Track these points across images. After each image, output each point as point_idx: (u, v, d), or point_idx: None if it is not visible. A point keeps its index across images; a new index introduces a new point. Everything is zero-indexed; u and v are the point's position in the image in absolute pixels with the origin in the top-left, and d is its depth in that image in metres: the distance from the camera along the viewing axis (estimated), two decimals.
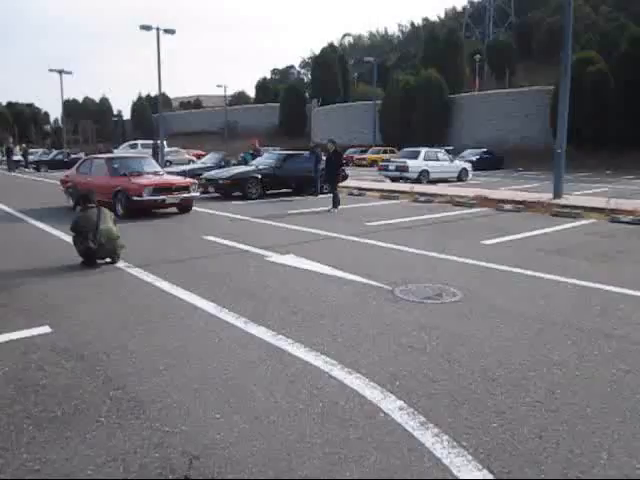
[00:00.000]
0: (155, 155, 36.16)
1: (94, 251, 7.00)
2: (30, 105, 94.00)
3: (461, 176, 23.85)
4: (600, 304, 5.40)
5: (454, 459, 2.74)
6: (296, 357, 4.03)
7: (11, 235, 9.76)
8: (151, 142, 37.08)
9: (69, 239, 7.53)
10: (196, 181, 12.63)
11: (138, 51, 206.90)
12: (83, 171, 13.50)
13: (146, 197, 11.41)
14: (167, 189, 11.87)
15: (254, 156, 19.64)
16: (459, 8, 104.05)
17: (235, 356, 4.07)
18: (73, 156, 35.87)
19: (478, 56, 61.15)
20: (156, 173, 12.83)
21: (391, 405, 3.29)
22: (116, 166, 12.67)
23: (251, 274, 6.68)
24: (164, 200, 11.73)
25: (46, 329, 4.65)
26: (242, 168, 17.37)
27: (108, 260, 7.19)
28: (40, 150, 43.49)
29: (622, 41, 35.77)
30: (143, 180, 11.81)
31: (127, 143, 47.29)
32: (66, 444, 2.90)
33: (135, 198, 11.37)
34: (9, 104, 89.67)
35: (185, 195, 12.11)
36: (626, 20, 50.89)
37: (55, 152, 37.91)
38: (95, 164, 13.32)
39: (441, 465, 2.70)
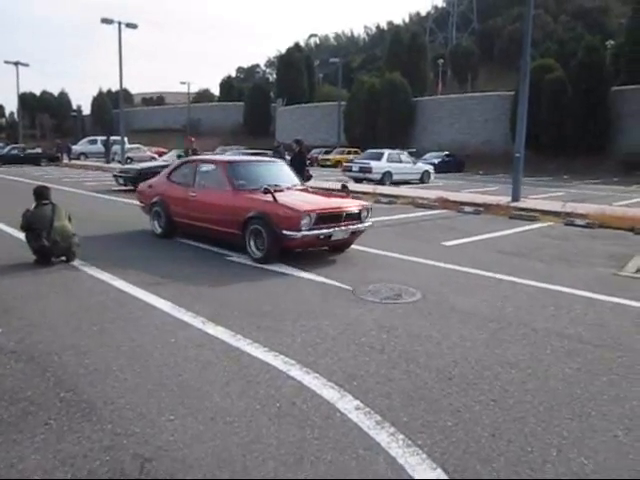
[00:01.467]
0: (107, 152, 35.55)
1: (48, 249, 6.79)
2: None
3: (423, 178, 24.17)
4: (554, 305, 5.55)
5: (409, 458, 2.76)
6: (254, 357, 4.00)
7: None
8: (113, 138, 36.37)
9: (23, 236, 7.28)
10: (369, 205, 8.06)
11: (99, 46, 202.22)
12: (180, 181, 8.85)
13: (305, 231, 6.94)
14: (335, 217, 7.37)
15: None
16: (423, 13, 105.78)
17: (191, 356, 4.01)
18: (29, 151, 34.83)
19: (441, 60, 62.24)
20: (297, 188, 8.46)
21: (348, 405, 3.29)
22: (242, 174, 8.19)
23: (211, 273, 6.59)
24: (330, 236, 7.25)
25: None
26: None
27: (63, 258, 6.99)
28: None
29: (579, 50, 36.96)
30: (297, 201, 7.32)
31: (86, 139, 46.23)
32: (12, 448, 2.79)
33: (289, 233, 6.90)
34: None
35: (357, 226, 7.65)
36: (583, 30, 52.61)
37: (10, 146, 36.64)
38: (204, 171, 8.64)
39: (396, 465, 2.71)
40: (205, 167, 8.73)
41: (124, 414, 3.15)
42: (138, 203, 10.09)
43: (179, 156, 18.72)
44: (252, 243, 7.30)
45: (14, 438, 2.88)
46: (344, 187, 8.76)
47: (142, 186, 10.01)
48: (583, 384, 3.68)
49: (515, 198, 14.63)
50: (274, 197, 7.10)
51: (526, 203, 14.29)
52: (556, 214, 12.45)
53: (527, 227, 11.11)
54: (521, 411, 3.28)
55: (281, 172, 8.91)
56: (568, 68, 36.33)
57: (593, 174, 30.53)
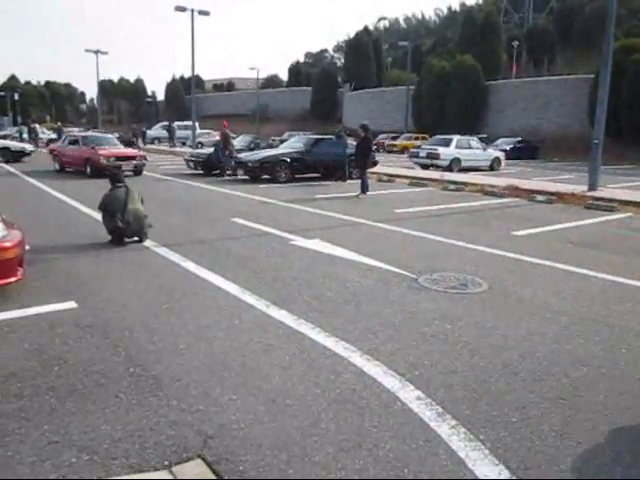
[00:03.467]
0: (170, 137, 36.72)
1: (122, 230, 7.10)
2: (67, 85, 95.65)
3: (493, 165, 23.40)
4: (632, 300, 5.24)
5: (470, 452, 2.69)
6: (316, 342, 4.02)
7: (46, 212, 9.96)
8: (185, 123, 37.42)
9: (99, 217, 7.64)
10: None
11: (173, 32, 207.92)
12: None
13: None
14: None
15: (222, 148, 17.91)
16: None
17: (255, 338, 4.08)
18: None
19: (516, 42, 59.63)
20: None
21: (409, 394, 3.25)
22: None
23: (276, 258, 6.68)
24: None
25: (72, 304, 4.73)
26: (271, 151, 17.39)
27: (136, 239, 7.29)
28: (75, 129, 44.25)
29: None
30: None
31: (160, 124, 47.81)
32: (85, 417, 2.95)
33: None
34: (47, 83, 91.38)
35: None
36: None
37: (90, 131, 38.48)
38: None
39: (456, 458, 2.65)
40: None
41: (189, 391, 3.25)
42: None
43: (215, 146, 18.60)
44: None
45: (87, 408, 3.04)
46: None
47: None
48: None
49: (592, 187, 13.89)
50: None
51: (604, 192, 13.53)
52: (637, 204, 11.72)
53: (604, 218, 10.53)
54: (592, 412, 3.12)
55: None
56: None
57: None
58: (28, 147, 23.46)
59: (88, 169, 16.69)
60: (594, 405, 3.20)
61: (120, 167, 13.87)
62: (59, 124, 46.46)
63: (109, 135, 21.69)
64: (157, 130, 44.92)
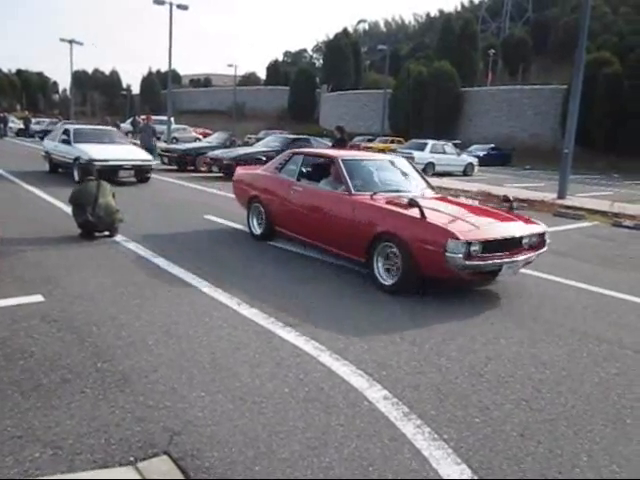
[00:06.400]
0: (134, 131, 36.23)
1: (92, 224, 7.00)
2: (39, 74, 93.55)
3: (467, 171, 23.74)
4: (594, 306, 5.39)
5: (434, 451, 2.74)
6: (286, 341, 4.03)
7: (14, 204, 9.75)
8: (159, 118, 36.93)
9: (70, 210, 7.52)
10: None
11: (151, 26, 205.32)
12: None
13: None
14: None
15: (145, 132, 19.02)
16: (476, 0, 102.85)
17: (225, 336, 4.07)
18: None
19: (493, 50, 60.58)
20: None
21: (376, 394, 3.29)
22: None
23: (248, 256, 6.67)
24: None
25: (39, 298, 4.65)
26: (248, 149, 17.34)
27: (106, 233, 7.19)
28: (47, 120, 43.29)
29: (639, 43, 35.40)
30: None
31: (138, 117, 47.07)
32: (49, 412, 2.91)
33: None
34: (18, 72, 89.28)
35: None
36: None
37: (61, 122, 37.71)
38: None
39: (420, 456, 2.70)
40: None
41: (157, 387, 3.23)
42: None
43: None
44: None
45: (52, 403, 3.00)
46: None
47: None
48: (620, 390, 3.57)
49: (561, 195, 14.21)
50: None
51: (572, 201, 13.86)
52: (603, 214, 12.04)
53: (572, 226, 10.79)
54: (552, 413, 3.22)
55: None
56: (626, 62, 34.86)
57: None
58: None
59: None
60: (555, 407, 3.29)
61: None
62: (27, 113, 45.30)
63: (108, 128, 16.63)
64: (128, 124, 44.24)
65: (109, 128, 16.82)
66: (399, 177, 6.86)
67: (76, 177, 12.37)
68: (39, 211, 8.97)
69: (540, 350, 4.17)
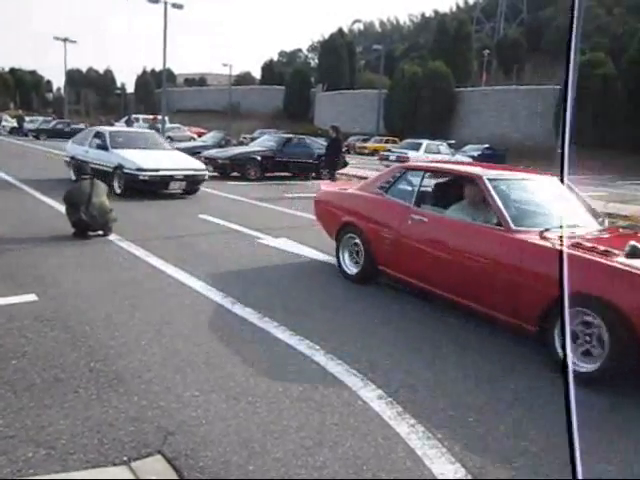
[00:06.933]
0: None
1: (86, 223, 6.98)
2: (33, 72, 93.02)
3: None
4: None
5: (428, 450, 2.75)
6: (280, 340, 4.03)
7: (6, 202, 9.70)
8: (152, 117, 36.82)
9: (63, 209, 7.49)
10: None
11: (145, 24, 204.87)
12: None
13: None
14: None
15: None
16: (471, 1, 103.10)
17: (219, 335, 4.07)
18: (74, 126, 35.61)
19: (487, 51, 60.76)
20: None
21: (370, 393, 3.30)
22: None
23: (242, 255, 6.66)
24: None
25: (32, 297, 4.63)
26: (242, 149, 17.33)
27: (100, 232, 7.17)
28: (40, 118, 43.08)
29: (632, 44, 35.61)
30: None
31: (133, 116, 46.93)
32: (42, 412, 2.90)
33: None
34: (12, 70, 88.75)
35: None
36: (637, 23, 50.50)
37: (55, 121, 37.58)
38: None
39: (414, 456, 2.71)
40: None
41: (150, 387, 3.23)
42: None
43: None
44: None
45: (45, 403, 2.99)
46: None
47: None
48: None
49: None
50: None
51: None
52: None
53: None
54: (546, 412, 3.23)
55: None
56: (619, 63, 35.07)
57: (639, 174, 29.48)
58: None
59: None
60: (548, 406, 3.30)
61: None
62: (20, 112, 45.00)
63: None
64: (124, 123, 44.11)
65: (148, 131, 15.14)
66: (562, 203, 4.98)
67: (117, 189, 10.85)
68: (30, 209, 8.94)
69: (531, 349, 4.18)
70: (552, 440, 2.87)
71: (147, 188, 10.72)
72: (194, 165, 11.67)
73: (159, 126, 19.95)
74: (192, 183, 11.35)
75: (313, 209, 6.83)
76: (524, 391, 3.47)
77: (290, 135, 19.01)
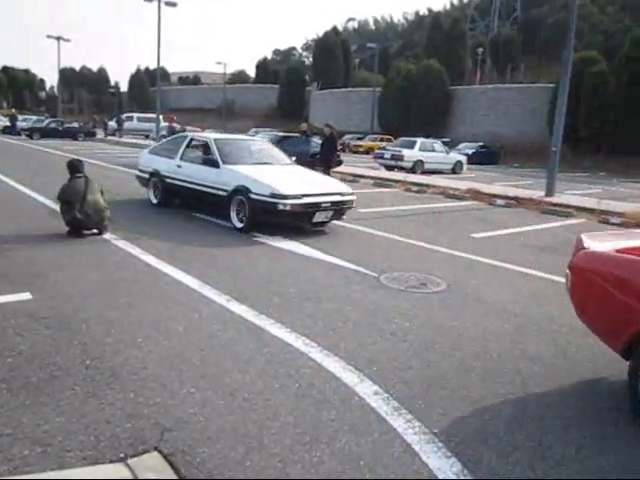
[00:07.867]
0: (119, 128, 36.32)
1: (80, 221, 6.95)
2: (26, 71, 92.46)
3: (455, 169, 23.82)
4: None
5: (424, 445, 2.76)
6: (276, 337, 4.04)
7: (2, 201, 9.65)
8: (147, 116, 36.71)
9: (58, 207, 7.46)
10: None
11: (139, 22, 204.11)
12: None
13: None
14: None
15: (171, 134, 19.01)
16: None
17: (214, 332, 4.07)
18: (67, 125, 35.42)
19: (481, 49, 60.81)
20: None
21: (367, 389, 3.31)
22: None
23: (238, 254, 6.66)
24: None
25: (27, 295, 4.61)
26: None
27: (95, 231, 7.14)
28: (34, 117, 42.83)
29: (626, 43, 35.71)
30: None
31: (123, 115, 46.77)
32: (38, 410, 2.89)
33: None
34: (4, 68, 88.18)
35: None
36: (631, 22, 50.76)
37: (49, 120, 37.35)
38: None
39: (411, 450, 2.72)
40: None
41: (147, 384, 3.22)
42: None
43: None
44: None
45: (41, 400, 2.98)
46: None
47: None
48: (605, 384, 3.62)
49: (549, 193, 14.31)
50: None
51: (560, 199, 13.96)
52: (591, 211, 12.14)
53: (559, 223, 10.88)
54: (541, 407, 3.25)
55: None
56: (612, 61, 35.17)
57: (633, 173, 29.62)
58: None
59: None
60: (543, 400, 3.32)
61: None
62: (13, 110, 44.70)
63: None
64: (114, 123, 43.91)
65: (260, 139, 12.69)
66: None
67: (237, 223, 8.02)
68: (24, 207, 8.90)
69: (528, 345, 4.20)
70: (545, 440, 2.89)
71: (285, 221, 8.02)
72: (338, 188, 8.53)
73: (177, 126, 19.66)
74: (338, 213, 8.39)
75: (569, 279, 3.75)
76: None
77: (285, 133, 18.99)
